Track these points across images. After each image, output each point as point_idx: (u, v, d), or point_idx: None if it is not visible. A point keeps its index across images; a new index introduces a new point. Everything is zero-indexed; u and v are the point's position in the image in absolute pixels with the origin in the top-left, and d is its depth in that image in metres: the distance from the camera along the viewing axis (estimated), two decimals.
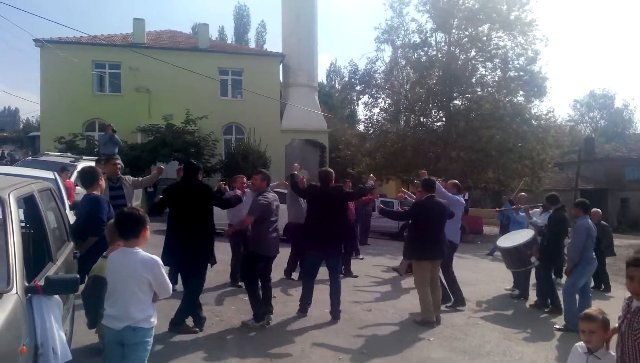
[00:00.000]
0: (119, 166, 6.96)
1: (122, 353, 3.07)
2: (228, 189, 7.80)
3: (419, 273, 6.66)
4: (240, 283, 7.62)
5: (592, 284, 8.65)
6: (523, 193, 10.56)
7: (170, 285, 3.22)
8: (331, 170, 6.78)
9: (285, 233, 9.01)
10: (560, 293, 7.50)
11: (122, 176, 6.90)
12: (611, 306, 8.62)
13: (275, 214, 6.11)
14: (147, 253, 3.14)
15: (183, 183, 5.73)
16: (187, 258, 5.59)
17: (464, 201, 8.52)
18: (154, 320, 3.17)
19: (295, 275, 8.63)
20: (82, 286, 3.49)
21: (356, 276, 9.52)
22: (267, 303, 6.08)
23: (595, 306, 7.23)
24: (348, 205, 7.31)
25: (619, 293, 9.84)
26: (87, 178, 5.35)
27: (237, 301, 7.02)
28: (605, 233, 9.79)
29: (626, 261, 2.86)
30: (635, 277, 2.73)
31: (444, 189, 7.41)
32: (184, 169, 5.88)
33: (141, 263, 3.06)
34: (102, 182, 5.40)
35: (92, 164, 9.01)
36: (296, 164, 7.38)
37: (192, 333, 5.51)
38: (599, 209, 9.77)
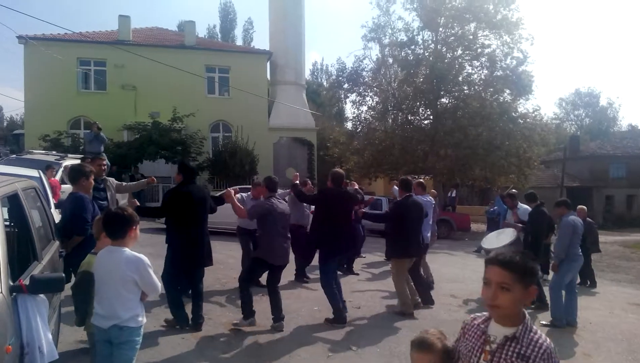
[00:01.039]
0: (105, 166, 6.77)
1: (111, 351, 3.05)
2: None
3: (398, 270, 6.85)
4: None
5: (578, 280, 8.74)
6: (514, 190, 10.73)
7: (159, 284, 3.19)
8: (343, 172, 6.65)
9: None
10: (546, 289, 7.58)
11: (107, 178, 6.66)
12: (596, 302, 8.75)
13: (281, 222, 5.83)
14: (134, 252, 3.11)
15: (188, 187, 5.69)
16: (200, 262, 5.72)
17: (432, 200, 8.70)
18: (142, 319, 3.13)
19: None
20: (68, 285, 3.44)
21: (357, 274, 9.65)
22: (277, 310, 5.86)
23: (581, 302, 7.36)
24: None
25: (605, 289, 9.97)
26: (71, 175, 5.28)
27: (226, 300, 7.01)
28: (590, 230, 9.90)
29: (485, 260, 1.99)
30: (491, 281, 1.86)
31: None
32: (185, 172, 5.77)
33: (126, 262, 3.02)
34: (87, 183, 5.18)
35: (78, 162, 8.85)
36: (296, 173, 7.03)
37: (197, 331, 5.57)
38: (584, 207, 9.88)
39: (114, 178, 7.10)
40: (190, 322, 5.65)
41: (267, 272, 6.03)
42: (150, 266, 3.12)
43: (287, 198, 8.85)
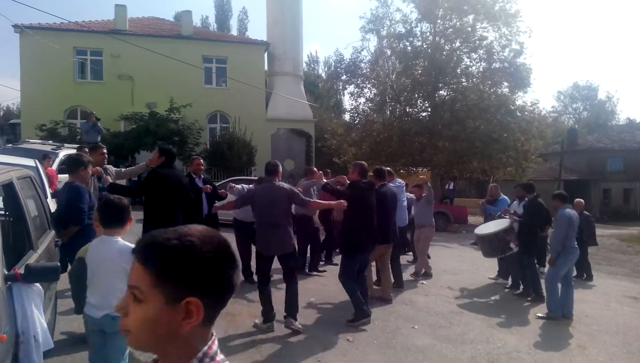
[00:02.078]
0: (106, 154, 6.69)
1: (104, 341, 3.02)
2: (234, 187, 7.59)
3: (376, 256, 6.99)
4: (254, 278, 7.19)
5: (575, 273, 8.75)
6: (494, 184, 10.81)
7: None
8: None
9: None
10: (542, 282, 7.59)
11: (106, 167, 6.62)
12: (593, 294, 8.77)
13: (265, 208, 5.45)
14: (127, 242, 3.07)
15: (168, 170, 5.58)
16: None
17: (402, 183, 9.14)
18: None
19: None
20: (64, 275, 3.42)
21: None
22: (288, 303, 5.60)
23: (577, 295, 7.38)
24: None
25: (601, 282, 10.01)
26: (68, 164, 5.21)
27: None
28: (587, 223, 9.91)
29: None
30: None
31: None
32: (168, 155, 5.66)
33: (119, 252, 2.99)
34: (85, 172, 5.06)
35: (74, 151, 8.78)
36: (320, 172, 7.11)
37: None
38: (581, 200, 9.89)
39: (112, 166, 7.03)
40: None
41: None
42: None
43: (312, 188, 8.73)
